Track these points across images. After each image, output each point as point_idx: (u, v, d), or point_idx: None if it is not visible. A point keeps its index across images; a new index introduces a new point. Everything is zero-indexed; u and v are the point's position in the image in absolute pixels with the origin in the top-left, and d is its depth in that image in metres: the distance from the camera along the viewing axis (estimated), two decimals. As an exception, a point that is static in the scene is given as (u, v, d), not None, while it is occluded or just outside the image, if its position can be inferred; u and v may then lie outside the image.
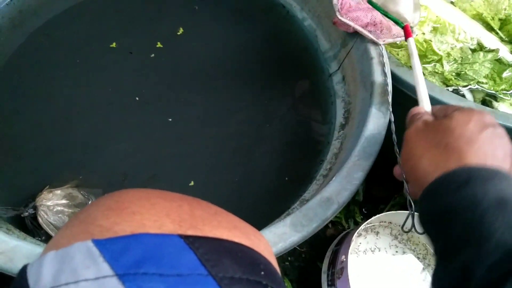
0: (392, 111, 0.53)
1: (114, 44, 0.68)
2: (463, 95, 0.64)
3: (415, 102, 0.62)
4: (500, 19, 0.75)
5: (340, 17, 0.60)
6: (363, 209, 0.94)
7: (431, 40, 0.68)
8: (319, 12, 0.74)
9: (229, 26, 0.77)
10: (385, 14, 0.59)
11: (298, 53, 0.76)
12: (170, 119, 0.64)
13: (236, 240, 0.22)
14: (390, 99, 0.53)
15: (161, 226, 0.21)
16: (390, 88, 0.54)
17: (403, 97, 0.62)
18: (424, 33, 0.69)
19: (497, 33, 0.73)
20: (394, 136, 0.50)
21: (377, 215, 0.66)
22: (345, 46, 0.67)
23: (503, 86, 0.64)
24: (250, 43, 0.76)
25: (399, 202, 0.91)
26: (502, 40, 0.73)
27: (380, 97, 0.53)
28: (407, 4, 0.58)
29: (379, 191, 1.00)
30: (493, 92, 0.65)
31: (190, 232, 0.21)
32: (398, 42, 0.67)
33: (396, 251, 0.67)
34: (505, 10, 0.76)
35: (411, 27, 0.57)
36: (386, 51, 0.61)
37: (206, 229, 0.22)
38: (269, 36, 0.78)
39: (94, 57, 0.67)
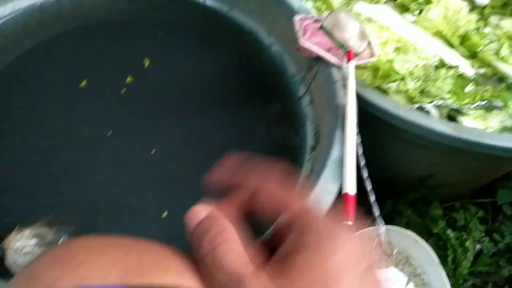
0: (359, 132, 0.54)
1: (84, 83, 0.68)
2: (427, 112, 0.66)
3: (381, 122, 0.64)
4: (459, 36, 0.78)
5: (304, 42, 0.62)
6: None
7: (393, 59, 0.70)
8: (285, 37, 0.76)
9: (196, 53, 0.78)
10: (333, 39, 0.61)
11: (267, 77, 0.77)
12: (145, 150, 0.64)
13: (186, 284, 0.22)
14: (355, 121, 0.54)
15: (106, 277, 0.21)
16: (354, 109, 0.55)
17: (369, 118, 0.63)
18: (387, 53, 0.71)
19: (457, 50, 0.75)
20: (361, 158, 0.50)
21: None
22: (311, 70, 0.69)
23: (466, 100, 0.66)
24: (220, 69, 0.78)
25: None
26: (463, 55, 0.75)
27: (345, 120, 0.54)
28: (353, 32, 0.61)
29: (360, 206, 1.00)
30: (458, 106, 0.67)
31: (136, 281, 0.21)
32: (362, 65, 0.69)
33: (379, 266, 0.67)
34: (463, 27, 0.79)
35: (357, 53, 0.60)
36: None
37: (154, 276, 0.22)
38: (238, 61, 0.79)
39: (64, 97, 0.67)
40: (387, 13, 0.77)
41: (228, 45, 0.81)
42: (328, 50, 0.64)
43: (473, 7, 0.85)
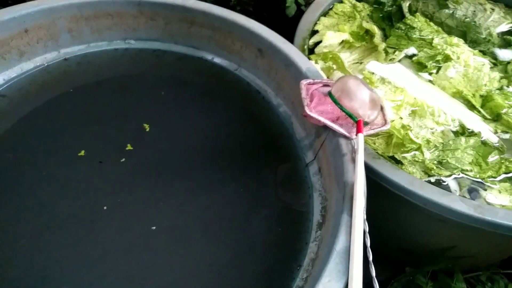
0: (369, 206, 0.49)
1: (82, 153, 0.66)
2: (447, 186, 0.60)
3: (394, 196, 0.58)
4: (481, 96, 0.73)
5: (308, 112, 0.58)
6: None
7: (409, 125, 0.65)
8: (293, 99, 0.72)
9: (201, 112, 0.75)
10: (341, 108, 0.57)
11: (274, 139, 0.73)
12: (149, 226, 0.59)
13: None
14: (363, 205, 0.49)
15: None
16: (363, 191, 0.50)
17: (380, 190, 0.58)
18: (401, 118, 0.66)
19: (479, 112, 0.70)
20: (368, 249, 0.45)
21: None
22: (319, 137, 0.64)
23: (489, 173, 0.60)
24: (226, 129, 0.74)
25: (397, 288, 0.84)
26: (485, 118, 0.69)
27: (354, 203, 0.49)
28: (362, 101, 0.56)
29: (376, 274, 0.93)
30: (479, 180, 0.61)
31: None
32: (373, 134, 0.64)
33: None
34: (485, 85, 0.73)
35: (366, 123, 0.56)
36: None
37: None
38: (245, 121, 0.76)
39: (62, 169, 0.64)
40: (402, 72, 0.73)
41: (236, 102, 0.78)
42: (337, 119, 0.60)
43: (496, 63, 0.80)
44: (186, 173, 0.67)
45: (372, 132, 0.59)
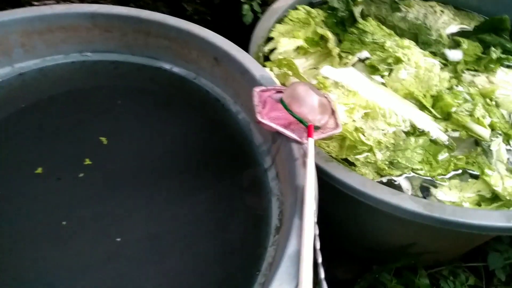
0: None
1: (39, 170, 0.65)
2: (399, 185, 0.62)
3: (349, 197, 0.60)
4: (432, 96, 0.75)
5: (260, 119, 0.59)
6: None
7: (362, 128, 0.67)
8: (250, 106, 0.72)
9: (161, 122, 0.75)
10: (291, 113, 0.58)
11: (235, 146, 0.74)
12: (113, 238, 0.59)
13: None
14: (314, 208, 0.49)
15: None
16: (315, 193, 0.51)
17: (336, 193, 0.59)
18: (354, 120, 0.68)
19: (430, 111, 0.72)
20: (318, 252, 0.46)
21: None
22: (275, 142, 0.65)
23: (439, 171, 0.62)
24: (186, 138, 0.74)
25: (364, 287, 0.86)
26: (436, 118, 0.72)
27: (303, 207, 0.50)
28: (312, 106, 0.58)
29: (344, 273, 0.95)
30: (430, 178, 0.63)
31: None
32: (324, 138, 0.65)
33: None
34: (436, 86, 0.76)
35: (318, 126, 0.57)
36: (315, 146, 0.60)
37: None
38: (206, 129, 0.76)
39: (19, 187, 0.63)
40: (355, 76, 0.75)
41: (196, 111, 0.78)
42: (289, 124, 0.61)
43: (446, 63, 0.82)
44: (146, 184, 0.67)
45: (324, 135, 0.60)
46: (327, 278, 0.61)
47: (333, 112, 0.64)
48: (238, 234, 0.62)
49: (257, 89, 0.64)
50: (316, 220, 0.49)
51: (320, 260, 0.45)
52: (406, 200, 0.55)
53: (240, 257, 0.60)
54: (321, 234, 0.48)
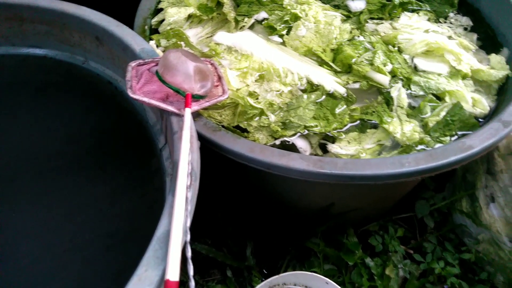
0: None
1: None
2: (293, 145, 0.58)
3: (243, 166, 0.56)
4: (332, 50, 0.71)
5: (131, 94, 0.54)
6: (263, 270, 0.85)
7: (255, 92, 0.62)
8: (139, 83, 0.68)
9: (52, 113, 0.70)
10: (166, 84, 0.53)
11: (131, 127, 0.70)
12: None
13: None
14: (184, 185, 0.45)
15: None
16: (185, 169, 0.47)
17: (234, 165, 0.55)
18: (248, 85, 0.64)
19: (330, 66, 0.69)
20: (187, 246, 0.42)
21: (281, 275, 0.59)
22: (163, 119, 0.61)
23: (334, 125, 0.59)
24: (82, 125, 0.70)
25: (296, 255, 0.83)
26: (336, 72, 0.68)
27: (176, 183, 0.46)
28: (186, 74, 0.53)
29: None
30: (326, 133, 0.59)
31: None
32: (219, 103, 0.61)
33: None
34: (336, 39, 0.72)
35: (197, 96, 0.52)
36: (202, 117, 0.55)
37: None
38: (101, 114, 0.72)
39: None
40: (250, 39, 0.70)
41: (89, 96, 0.73)
42: (166, 97, 0.56)
43: (350, 15, 0.79)
44: (42, 177, 0.62)
45: (207, 104, 0.56)
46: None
47: (219, 79, 0.60)
48: (129, 221, 0.58)
49: (132, 64, 0.59)
50: (191, 196, 0.45)
51: (189, 254, 0.41)
52: (295, 160, 0.52)
53: (135, 245, 0.56)
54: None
